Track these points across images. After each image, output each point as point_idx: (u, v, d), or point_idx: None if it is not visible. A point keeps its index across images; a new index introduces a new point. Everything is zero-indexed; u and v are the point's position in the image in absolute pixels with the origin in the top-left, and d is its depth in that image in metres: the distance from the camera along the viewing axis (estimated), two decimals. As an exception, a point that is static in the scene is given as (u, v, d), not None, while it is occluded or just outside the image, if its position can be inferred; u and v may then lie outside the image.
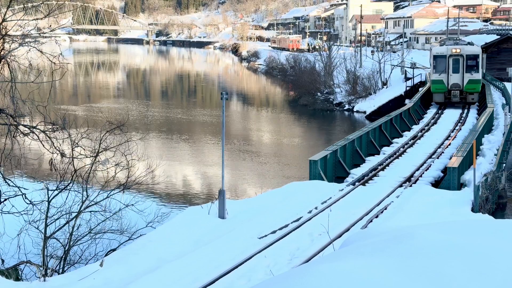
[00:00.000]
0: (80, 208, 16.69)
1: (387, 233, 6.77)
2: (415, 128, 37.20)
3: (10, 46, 16.03)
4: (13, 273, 14.95)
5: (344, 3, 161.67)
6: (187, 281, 13.78)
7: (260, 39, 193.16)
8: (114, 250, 16.71)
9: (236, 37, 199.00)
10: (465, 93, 44.54)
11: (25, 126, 16.41)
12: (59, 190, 16.63)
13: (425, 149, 30.51)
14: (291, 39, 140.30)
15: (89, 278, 13.86)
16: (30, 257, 15.53)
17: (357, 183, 23.77)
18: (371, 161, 28.04)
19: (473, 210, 19.81)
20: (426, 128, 37.36)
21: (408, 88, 56.60)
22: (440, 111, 43.77)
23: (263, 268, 14.39)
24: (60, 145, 16.68)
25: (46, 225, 15.93)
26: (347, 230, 17.32)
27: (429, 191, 22.25)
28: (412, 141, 32.92)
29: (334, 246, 14.42)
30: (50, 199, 16.28)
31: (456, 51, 44.22)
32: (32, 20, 17.33)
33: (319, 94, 67.17)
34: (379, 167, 26.73)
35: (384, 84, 61.45)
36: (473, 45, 47.76)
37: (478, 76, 44.54)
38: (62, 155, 16.66)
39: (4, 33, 15.73)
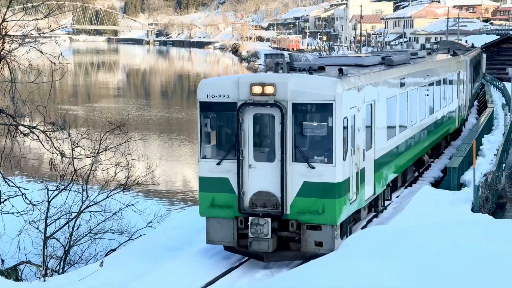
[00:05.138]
0: (80, 208, 16.70)
1: (387, 233, 6.78)
2: None
3: (10, 46, 16.05)
4: (13, 273, 14.96)
5: (344, 3, 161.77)
6: (187, 281, 13.78)
7: (260, 39, 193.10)
8: (114, 250, 16.71)
9: (236, 37, 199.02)
10: (295, 224, 13.55)
11: (25, 126, 16.43)
12: (59, 190, 16.65)
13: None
14: (291, 39, 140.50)
15: (89, 278, 13.84)
16: (30, 257, 15.53)
17: (357, 183, 23.56)
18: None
19: (473, 210, 19.78)
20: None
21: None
22: None
23: (263, 268, 14.38)
24: (60, 145, 16.72)
25: (46, 225, 15.94)
26: (347, 230, 17.26)
27: (429, 191, 22.20)
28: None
29: (334, 246, 14.39)
30: (50, 199, 16.30)
31: (261, 91, 14.18)
32: (32, 20, 17.36)
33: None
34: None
35: (384, 84, 61.38)
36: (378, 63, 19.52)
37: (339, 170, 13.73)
38: (62, 155, 16.69)
39: (4, 33, 15.75)
